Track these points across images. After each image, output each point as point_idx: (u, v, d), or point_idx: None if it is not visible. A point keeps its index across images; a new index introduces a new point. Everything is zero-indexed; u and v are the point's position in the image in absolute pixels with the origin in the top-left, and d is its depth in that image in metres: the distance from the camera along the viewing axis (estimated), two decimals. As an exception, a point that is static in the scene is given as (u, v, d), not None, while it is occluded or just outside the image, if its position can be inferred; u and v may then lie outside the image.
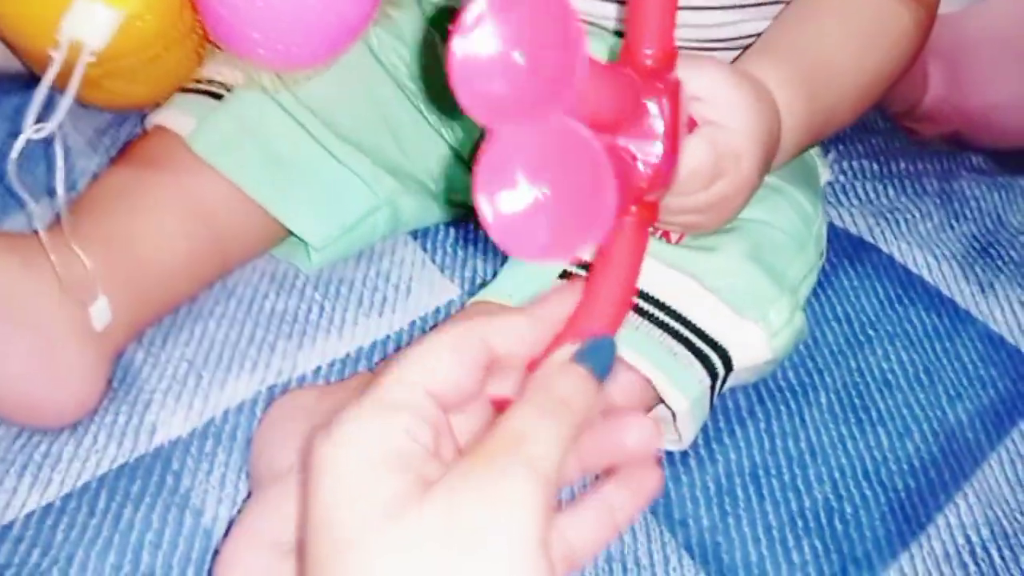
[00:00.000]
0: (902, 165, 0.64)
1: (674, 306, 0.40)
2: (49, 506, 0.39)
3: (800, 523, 0.42)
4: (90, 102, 0.53)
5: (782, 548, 0.41)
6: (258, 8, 0.39)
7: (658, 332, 0.40)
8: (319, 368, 0.46)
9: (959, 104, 0.69)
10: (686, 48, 0.37)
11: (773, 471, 0.44)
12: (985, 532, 0.43)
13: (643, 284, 0.37)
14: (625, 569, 0.39)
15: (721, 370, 0.40)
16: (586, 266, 0.39)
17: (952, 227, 0.59)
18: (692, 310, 0.40)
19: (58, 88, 0.39)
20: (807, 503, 0.42)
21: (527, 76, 0.24)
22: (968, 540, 0.42)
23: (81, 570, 0.37)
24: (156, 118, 0.47)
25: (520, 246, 0.25)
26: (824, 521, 0.42)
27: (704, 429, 0.44)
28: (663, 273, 0.41)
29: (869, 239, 0.57)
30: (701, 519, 0.41)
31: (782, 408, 0.46)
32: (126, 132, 0.55)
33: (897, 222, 0.59)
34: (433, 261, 0.52)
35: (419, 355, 0.25)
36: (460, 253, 0.53)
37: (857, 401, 0.47)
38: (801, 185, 0.47)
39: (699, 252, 0.41)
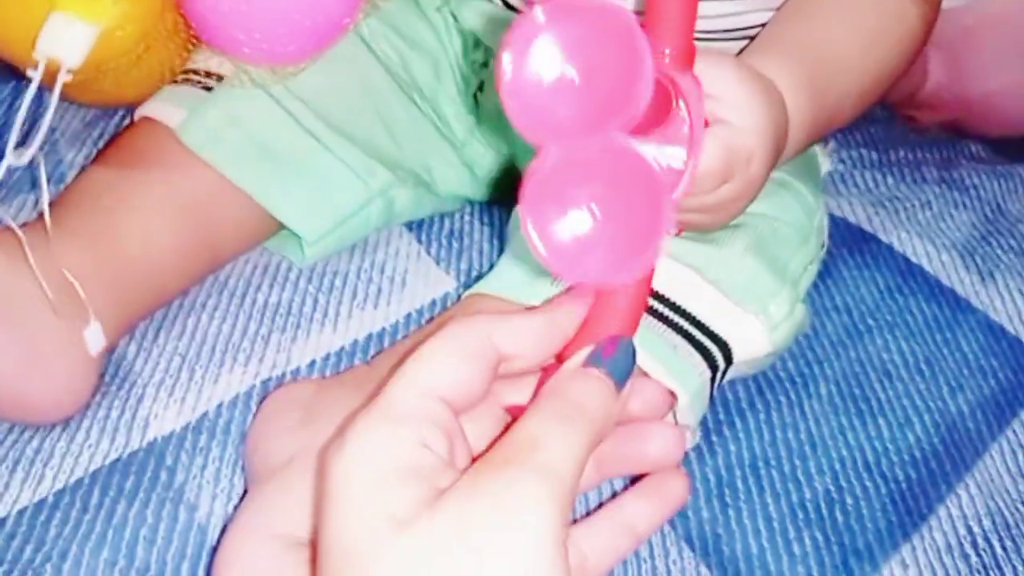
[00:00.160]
0: (901, 153, 0.64)
1: (674, 298, 0.40)
2: (41, 502, 0.39)
3: (800, 515, 0.41)
4: (79, 101, 0.52)
5: (783, 540, 0.40)
6: (241, 10, 0.39)
7: (658, 325, 0.39)
8: (313, 361, 0.45)
9: (959, 92, 0.68)
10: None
11: (773, 462, 0.43)
12: (987, 523, 0.42)
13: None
14: (624, 561, 0.39)
15: (721, 363, 0.40)
16: None
17: (951, 216, 0.59)
18: (692, 302, 0.40)
19: (47, 86, 0.38)
20: (807, 494, 0.42)
21: (586, 95, 0.22)
22: (969, 531, 0.42)
23: (74, 566, 0.36)
24: (145, 109, 0.47)
25: (575, 272, 0.24)
26: (825, 512, 0.42)
27: (703, 421, 0.44)
28: (663, 264, 0.40)
29: (868, 228, 0.57)
30: (701, 511, 0.41)
31: (782, 399, 0.46)
32: (115, 124, 0.55)
33: (896, 211, 0.58)
34: (428, 253, 0.52)
35: (427, 357, 0.25)
36: (455, 245, 0.52)
37: (857, 392, 0.47)
38: (804, 177, 0.47)
39: (700, 244, 0.41)
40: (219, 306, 0.47)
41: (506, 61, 0.22)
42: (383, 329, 0.47)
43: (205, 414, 0.42)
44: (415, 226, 0.53)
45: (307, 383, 0.39)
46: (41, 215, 0.40)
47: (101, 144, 0.53)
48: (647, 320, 0.39)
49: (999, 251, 0.57)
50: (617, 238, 0.24)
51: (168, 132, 0.45)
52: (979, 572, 0.40)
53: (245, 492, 0.39)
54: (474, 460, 0.24)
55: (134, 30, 0.40)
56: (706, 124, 0.34)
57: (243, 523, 0.32)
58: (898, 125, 0.67)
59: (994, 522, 0.42)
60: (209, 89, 0.46)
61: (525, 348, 0.26)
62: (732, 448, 0.43)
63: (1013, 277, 0.55)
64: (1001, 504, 0.43)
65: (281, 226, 0.48)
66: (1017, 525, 0.43)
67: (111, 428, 0.41)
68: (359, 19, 0.43)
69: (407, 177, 0.50)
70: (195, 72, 0.47)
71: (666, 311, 0.40)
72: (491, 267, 0.44)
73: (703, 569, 0.39)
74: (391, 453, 0.23)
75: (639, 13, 0.45)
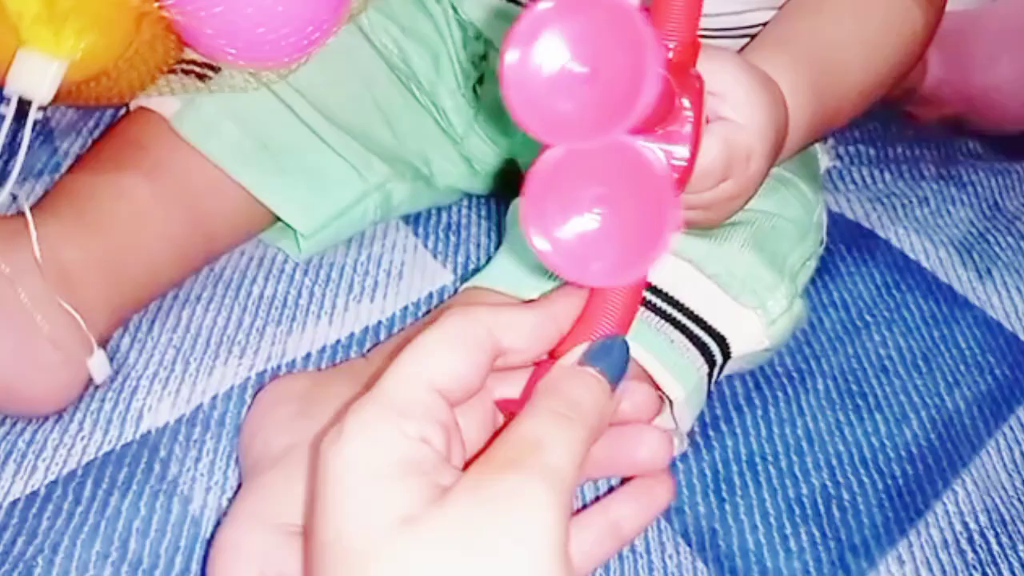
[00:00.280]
0: (899, 150, 0.64)
1: (672, 293, 0.40)
2: (34, 494, 0.38)
3: (797, 510, 0.41)
4: (70, 105, 0.52)
5: (779, 535, 0.40)
6: (225, 21, 0.38)
7: (655, 319, 0.39)
8: (309, 354, 0.45)
9: (958, 87, 0.68)
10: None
11: (770, 458, 0.43)
12: (983, 519, 0.42)
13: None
14: (621, 557, 0.38)
15: (719, 358, 0.40)
16: None
17: (949, 212, 0.59)
18: (690, 297, 0.40)
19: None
20: (804, 490, 0.42)
21: (591, 92, 0.22)
22: (966, 527, 0.42)
23: (67, 558, 0.36)
24: (141, 99, 0.46)
25: (579, 272, 0.24)
26: (822, 508, 0.41)
27: (700, 416, 0.43)
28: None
29: (866, 224, 0.57)
30: (698, 506, 0.41)
31: (779, 394, 0.46)
32: (110, 113, 0.54)
33: (894, 207, 0.58)
34: (425, 246, 0.51)
35: (425, 348, 0.25)
36: (452, 238, 0.52)
37: (855, 387, 0.47)
38: (803, 173, 0.46)
39: (698, 238, 0.41)
40: (214, 298, 0.47)
41: (510, 54, 0.22)
42: (379, 322, 0.47)
43: (199, 406, 0.42)
44: (412, 219, 0.53)
45: (302, 376, 0.39)
46: (31, 208, 0.39)
47: (96, 134, 0.53)
48: (644, 314, 0.39)
49: (997, 248, 0.57)
50: (622, 239, 0.23)
51: (163, 122, 0.45)
52: (975, 568, 0.40)
53: (239, 484, 0.39)
54: (473, 458, 0.23)
55: (106, 56, 0.39)
56: (707, 121, 0.34)
57: (242, 512, 0.32)
58: (896, 121, 0.67)
59: (990, 518, 0.42)
60: (204, 79, 0.46)
61: (523, 342, 0.26)
62: (729, 443, 0.43)
63: (1011, 274, 0.55)
64: (997, 500, 0.43)
65: (277, 218, 0.47)
66: (1013, 521, 0.43)
67: (104, 420, 0.41)
68: (346, 21, 0.42)
69: (405, 170, 0.50)
70: (192, 62, 0.47)
71: (663, 305, 0.39)
72: (488, 260, 0.44)
73: (700, 564, 0.39)
74: (391, 447, 0.23)
75: (645, 9, 0.44)
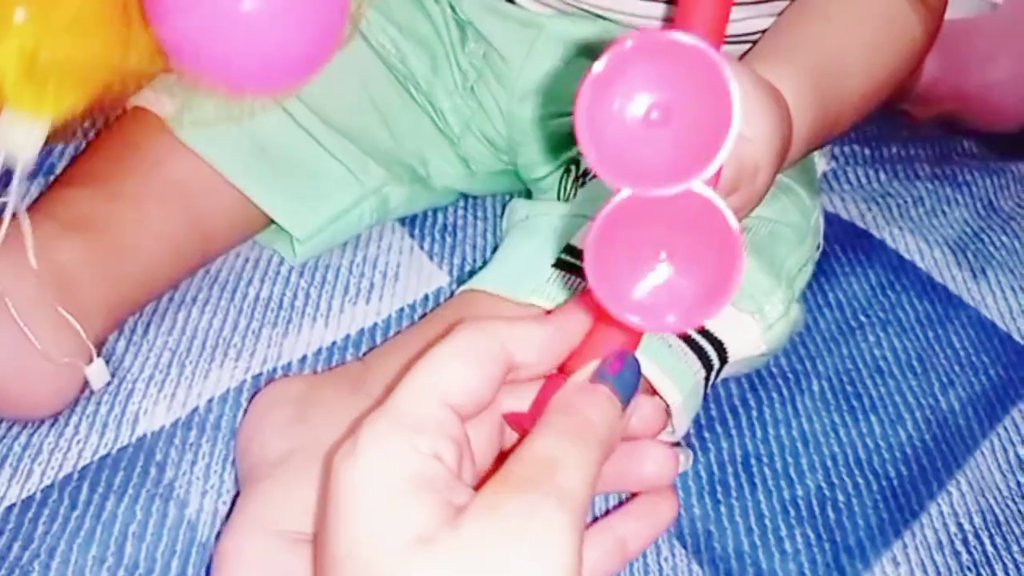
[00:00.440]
0: (894, 150, 0.64)
1: None
2: (30, 499, 0.38)
3: (792, 512, 0.41)
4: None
5: (774, 537, 0.40)
6: (214, 57, 0.38)
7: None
8: (305, 357, 0.45)
9: (954, 85, 0.68)
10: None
11: (765, 459, 0.43)
12: (977, 520, 0.42)
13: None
14: (616, 559, 0.39)
15: (716, 362, 0.40)
16: None
17: (944, 212, 0.59)
18: None
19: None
20: (799, 492, 0.42)
21: (671, 138, 0.21)
22: (960, 528, 0.42)
23: (63, 563, 0.36)
24: (138, 99, 0.46)
25: (655, 325, 0.23)
26: (816, 510, 0.42)
27: (696, 418, 0.43)
28: None
29: (861, 225, 0.57)
30: (692, 508, 0.41)
31: (774, 396, 0.46)
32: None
33: (889, 207, 0.58)
34: (421, 247, 0.51)
35: (438, 363, 0.25)
36: (448, 239, 0.52)
37: (849, 388, 0.47)
38: (801, 178, 0.47)
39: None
40: (210, 300, 0.47)
41: (586, 95, 0.21)
42: (375, 324, 0.47)
43: (195, 410, 0.42)
44: (408, 220, 0.53)
45: (298, 379, 0.39)
46: (27, 209, 0.39)
47: (92, 134, 0.53)
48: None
49: (991, 247, 0.57)
50: (693, 287, 0.23)
51: (160, 123, 0.45)
52: (970, 569, 0.40)
53: (236, 489, 0.39)
54: (486, 477, 0.23)
55: (90, 103, 0.39)
56: None
57: (243, 520, 0.32)
58: (891, 121, 0.67)
59: (985, 519, 0.43)
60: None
61: (535, 357, 0.26)
62: (724, 445, 0.43)
63: (1005, 274, 0.55)
64: (992, 501, 0.44)
65: (273, 220, 0.47)
66: (1007, 522, 0.43)
67: (100, 424, 0.41)
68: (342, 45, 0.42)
69: (403, 173, 0.50)
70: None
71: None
72: (484, 262, 0.44)
73: (695, 567, 0.39)
74: (405, 464, 0.23)
75: (668, 20, 0.44)
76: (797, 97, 0.36)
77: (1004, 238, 0.58)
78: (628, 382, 0.25)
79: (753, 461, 0.43)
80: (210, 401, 0.42)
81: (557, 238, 0.39)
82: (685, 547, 0.40)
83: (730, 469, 0.43)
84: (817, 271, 0.52)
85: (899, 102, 0.69)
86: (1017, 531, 0.42)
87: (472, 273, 0.44)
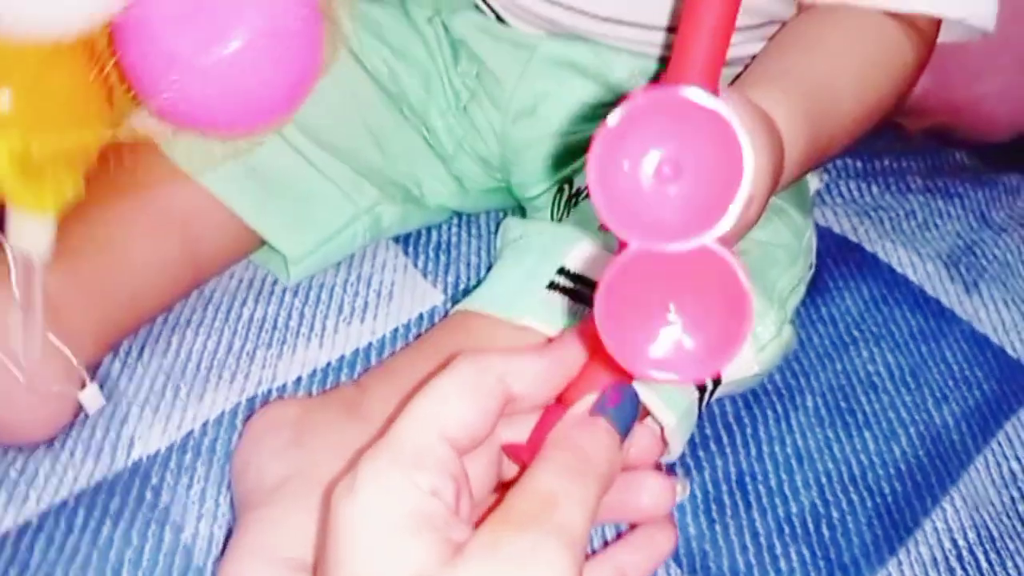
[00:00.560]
0: (886, 162, 0.64)
1: None
2: (26, 525, 0.38)
3: (787, 529, 0.42)
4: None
5: (769, 555, 0.41)
6: (199, 107, 0.38)
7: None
8: (300, 378, 0.45)
9: (945, 97, 0.69)
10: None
11: (760, 477, 0.43)
12: (972, 536, 0.43)
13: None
14: (612, 580, 0.39)
15: (709, 383, 0.40)
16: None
17: (936, 225, 0.59)
18: None
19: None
20: (794, 509, 0.42)
21: (683, 195, 0.21)
22: (955, 544, 0.42)
23: (59, 589, 0.36)
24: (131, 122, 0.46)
25: (674, 380, 0.23)
26: (811, 527, 0.42)
27: (690, 436, 0.43)
28: None
29: (853, 239, 0.57)
30: (688, 527, 0.41)
31: (768, 412, 0.46)
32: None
33: (881, 220, 0.59)
34: (415, 265, 0.51)
35: (436, 397, 0.25)
36: (443, 257, 0.52)
37: (843, 404, 0.47)
38: (793, 198, 0.47)
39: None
40: (203, 322, 0.47)
41: (598, 152, 0.21)
42: (370, 343, 0.47)
43: (190, 433, 0.42)
44: (402, 239, 0.53)
45: (292, 403, 0.39)
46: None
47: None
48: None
49: (984, 260, 0.57)
50: (705, 339, 0.23)
51: (151, 145, 0.45)
52: (964, 586, 0.41)
53: (232, 513, 0.39)
54: (486, 513, 0.23)
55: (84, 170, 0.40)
56: None
57: (243, 547, 0.32)
58: (882, 134, 0.67)
59: (979, 535, 0.43)
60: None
61: (533, 389, 0.26)
62: (719, 463, 0.44)
63: (998, 287, 0.55)
64: (986, 516, 0.44)
65: (266, 240, 0.47)
66: (1002, 537, 0.43)
67: (96, 448, 0.41)
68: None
69: (396, 192, 0.50)
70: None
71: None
72: (479, 280, 0.44)
73: (691, 586, 0.39)
74: (404, 501, 0.23)
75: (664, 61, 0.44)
76: (789, 123, 0.36)
77: (996, 251, 0.58)
78: (626, 414, 0.25)
79: (748, 479, 0.43)
80: (205, 424, 0.42)
81: (550, 259, 0.39)
82: (681, 567, 0.40)
83: (725, 488, 0.43)
84: (810, 286, 0.52)
85: (891, 116, 0.69)
86: (1012, 546, 0.43)
87: (466, 291, 0.44)
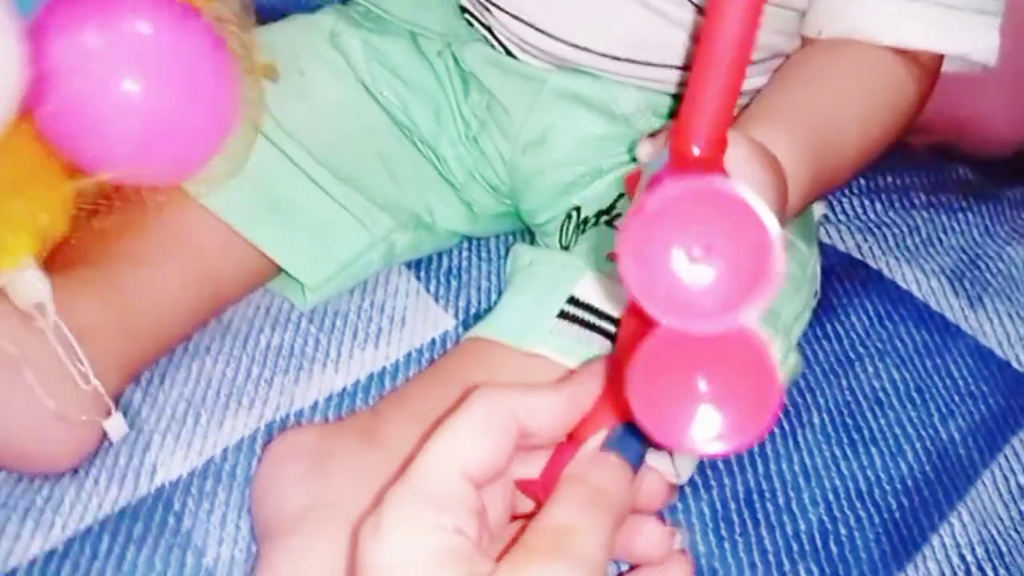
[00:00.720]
0: (889, 179, 0.65)
1: None
2: (52, 551, 0.39)
3: (795, 546, 0.42)
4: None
5: (778, 572, 0.41)
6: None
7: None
8: (316, 403, 0.46)
9: (948, 113, 0.69)
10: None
11: (768, 494, 0.44)
12: (980, 551, 0.43)
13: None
14: (624, 599, 0.39)
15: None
16: (607, 333, 0.39)
17: (940, 240, 0.60)
18: None
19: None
20: (802, 526, 0.43)
21: (713, 278, 0.22)
22: (963, 560, 0.43)
23: (85, 614, 0.37)
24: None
25: (687, 450, 0.24)
26: (819, 544, 0.42)
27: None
28: None
29: (857, 255, 0.58)
30: (697, 545, 0.42)
31: (775, 430, 0.47)
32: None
33: (885, 237, 0.59)
34: (427, 290, 0.52)
35: (455, 433, 0.26)
36: (454, 282, 0.53)
37: (850, 421, 0.48)
38: (797, 227, 0.47)
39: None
40: (222, 350, 0.48)
41: (629, 238, 0.22)
42: (384, 368, 0.48)
43: (211, 459, 0.43)
44: (414, 264, 0.54)
45: (310, 429, 0.40)
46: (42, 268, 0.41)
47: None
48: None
49: (988, 275, 0.58)
50: (734, 414, 0.23)
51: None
52: (972, 600, 0.41)
53: (252, 537, 0.40)
54: (507, 547, 0.24)
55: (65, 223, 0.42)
56: None
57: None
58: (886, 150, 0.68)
59: (987, 550, 0.43)
60: None
61: (547, 425, 0.27)
62: (727, 482, 0.44)
63: (1002, 301, 0.56)
64: (994, 531, 0.44)
65: (283, 268, 0.49)
66: (1010, 552, 0.43)
67: (119, 475, 0.42)
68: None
69: (408, 220, 0.51)
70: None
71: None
72: (489, 305, 0.45)
73: (701, 604, 0.40)
74: (430, 540, 0.24)
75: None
76: (791, 158, 0.37)
77: (1001, 265, 0.58)
78: (637, 450, 0.26)
79: (756, 497, 0.44)
80: (225, 450, 0.43)
81: (560, 288, 0.40)
82: (691, 585, 0.40)
83: (733, 506, 0.43)
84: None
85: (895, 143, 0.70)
86: (1020, 561, 0.43)
87: (477, 316, 0.45)
